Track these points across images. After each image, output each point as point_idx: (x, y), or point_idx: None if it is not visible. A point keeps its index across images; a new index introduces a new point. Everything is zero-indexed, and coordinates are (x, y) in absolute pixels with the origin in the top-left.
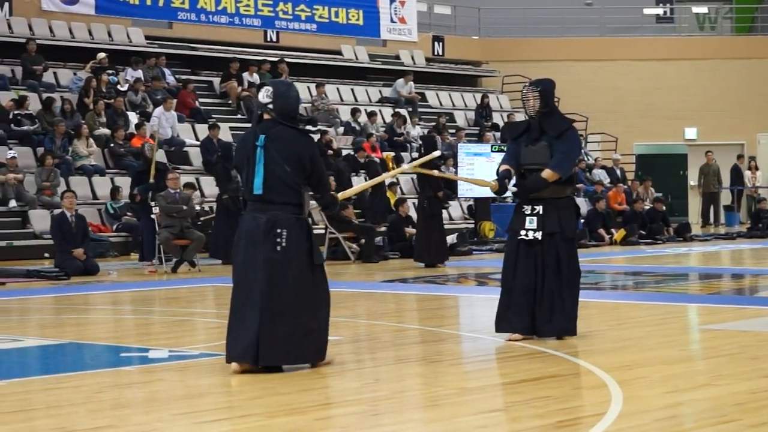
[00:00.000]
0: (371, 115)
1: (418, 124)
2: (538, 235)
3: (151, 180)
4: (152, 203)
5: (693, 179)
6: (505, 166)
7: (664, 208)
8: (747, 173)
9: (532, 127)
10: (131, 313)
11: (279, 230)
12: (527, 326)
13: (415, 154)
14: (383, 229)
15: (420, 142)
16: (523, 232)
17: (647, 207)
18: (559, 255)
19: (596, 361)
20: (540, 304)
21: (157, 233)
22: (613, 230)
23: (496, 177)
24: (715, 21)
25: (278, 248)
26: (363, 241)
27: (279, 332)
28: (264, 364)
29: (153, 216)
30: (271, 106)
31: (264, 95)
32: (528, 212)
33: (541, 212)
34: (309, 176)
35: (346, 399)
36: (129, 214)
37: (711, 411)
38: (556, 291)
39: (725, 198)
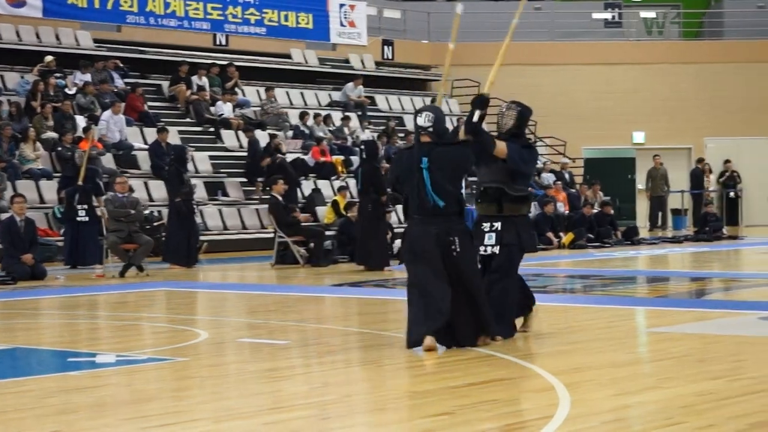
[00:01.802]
0: (319, 116)
1: (368, 128)
2: (496, 249)
3: (80, 182)
4: (78, 206)
5: (641, 183)
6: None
7: (612, 211)
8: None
9: None
10: (78, 317)
11: (452, 238)
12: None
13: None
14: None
15: (363, 147)
16: (482, 248)
17: (595, 211)
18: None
19: (544, 364)
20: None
21: (105, 237)
22: (561, 234)
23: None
24: (663, 26)
25: (453, 250)
26: (312, 244)
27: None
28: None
29: (78, 219)
30: (431, 129)
31: (425, 120)
32: (487, 229)
33: (499, 228)
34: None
35: (294, 403)
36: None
37: (658, 413)
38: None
39: (675, 202)
